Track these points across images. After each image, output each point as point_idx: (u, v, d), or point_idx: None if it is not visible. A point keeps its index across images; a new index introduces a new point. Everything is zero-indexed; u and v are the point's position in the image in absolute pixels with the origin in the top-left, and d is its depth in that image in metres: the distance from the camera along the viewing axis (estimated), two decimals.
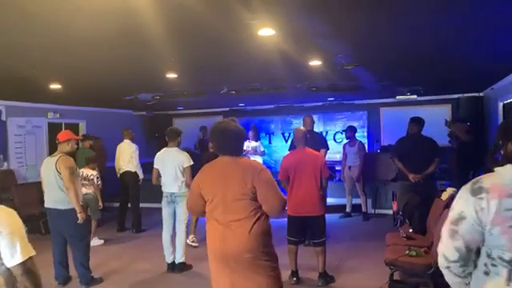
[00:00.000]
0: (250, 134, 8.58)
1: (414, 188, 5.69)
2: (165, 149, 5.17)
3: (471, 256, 1.52)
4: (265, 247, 2.60)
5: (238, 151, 2.78)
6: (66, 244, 4.61)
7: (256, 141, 8.75)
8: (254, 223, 2.56)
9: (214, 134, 2.78)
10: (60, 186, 4.39)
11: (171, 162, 5.01)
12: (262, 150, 8.82)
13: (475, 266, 1.54)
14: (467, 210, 1.47)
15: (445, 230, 1.56)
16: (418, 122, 5.96)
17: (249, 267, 2.54)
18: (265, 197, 2.58)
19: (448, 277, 1.60)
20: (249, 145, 8.48)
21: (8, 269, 1.83)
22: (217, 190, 2.62)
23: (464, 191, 1.51)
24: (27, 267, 1.84)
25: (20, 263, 1.82)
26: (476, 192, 1.46)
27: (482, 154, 6.23)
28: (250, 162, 2.78)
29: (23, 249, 1.83)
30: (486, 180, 1.48)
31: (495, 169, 1.51)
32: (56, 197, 4.43)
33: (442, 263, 1.59)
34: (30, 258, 1.85)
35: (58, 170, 4.38)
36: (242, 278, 2.55)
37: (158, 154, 5.20)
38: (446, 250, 1.55)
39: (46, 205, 4.55)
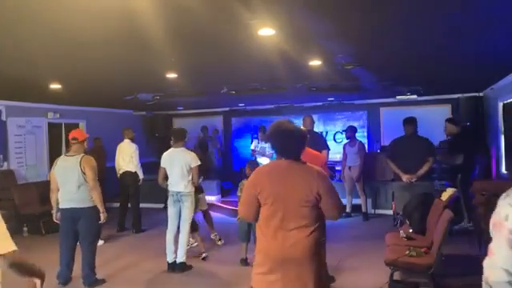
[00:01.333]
0: (260, 134, 8.49)
1: (410, 188, 5.69)
2: (172, 149, 5.22)
3: None
4: (319, 255, 2.56)
5: (299, 155, 2.65)
6: (76, 245, 4.62)
7: (266, 142, 8.64)
8: (314, 230, 2.51)
9: (276, 136, 2.64)
10: (82, 185, 4.42)
11: (178, 162, 5.05)
12: (271, 152, 8.69)
13: None
14: None
15: (501, 243, 1.46)
16: (411, 122, 5.97)
17: (305, 274, 2.48)
18: (328, 205, 2.52)
19: None
20: (257, 145, 8.41)
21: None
22: (277, 195, 2.51)
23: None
24: (10, 261, 1.85)
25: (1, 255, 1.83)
26: None
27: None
28: (314, 168, 2.63)
29: (2, 243, 1.83)
30: None
31: None
32: (76, 196, 4.44)
33: (501, 278, 1.44)
34: (12, 251, 1.85)
35: (83, 170, 4.42)
36: (297, 285, 2.48)
37: (164, 153, 5.24)
38: (506, 262, 1.43)
39: (63, 205, 4.52)
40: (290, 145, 2.60)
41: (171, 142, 5.25)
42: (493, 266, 1.46)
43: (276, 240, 2.50)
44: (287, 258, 2.47)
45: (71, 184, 4.44)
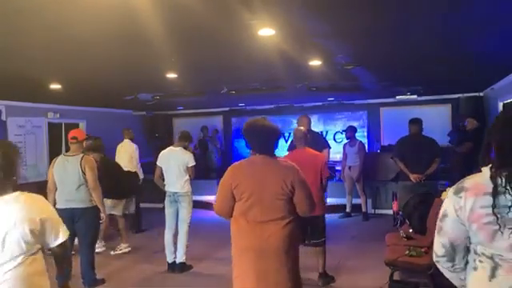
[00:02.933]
0: None
1: (415, 188, 5.69)
2: (170, 148, 5.22)
3: (458, 252, 1.59)
4: (293, 248, 2.65)
5: (273, 151, 2.74)
6: (73, 245, 4.60)
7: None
8: (288, 222, 2.60)
9: (252, 133, 2.73)
10: (81, 185, 4.39)
11: (176, 161, 5.04)
12: None
13: (467, 263, 1.60)
14: (449, 207, 1.56)
15: (436, 227, 1.65)
16: (417, 122, 5.97)
17: (278, 266, 2.56)
18: (301, 198, 2.61)
19: (442, 271, 1.69)
20: None
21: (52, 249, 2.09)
22: (253, 189, 2.60)
23: (450, 191, 1.61)
24: (66, 245, 2.12)
25: (62, 243, 2.09)
26: (457, 191, 1.54)
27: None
28: (288, 163, 2.73)
29: (63, 229, 2.11)
30: (469, 180, 1.56)
31: (482, 169, 1.55)
32: (75, 196, 4.40)
33: (433, 258, 1.68)
34: (64, 241, 2.11)
35: (83, 170, 4.39)
36: (271, 277, 2.56)
37: (162, 152, 5.23)
38: (435, 245, 1.65)
39: (60, 205, 4.45)
40: (265, 141, 2.69)
41: (174, 141, 5.26)
42: (433, 249, 1.68)
43: (254, 233, 2.58)
44: (265, 249, 2.55)
45: (71, 184, 4.40)
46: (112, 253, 5.97)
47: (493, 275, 1.47)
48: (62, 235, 2.08)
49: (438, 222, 1.63)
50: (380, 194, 8.22)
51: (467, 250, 1.58)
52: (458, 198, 1.52)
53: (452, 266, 1.62)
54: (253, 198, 2.59)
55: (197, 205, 5.82)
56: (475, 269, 1.54)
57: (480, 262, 1.52)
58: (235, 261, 2.70)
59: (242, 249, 2.64)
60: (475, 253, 1.54)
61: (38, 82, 5.93)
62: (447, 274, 1.67)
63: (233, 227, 2.70)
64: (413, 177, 5.78)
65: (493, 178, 1.46)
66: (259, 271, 2.56)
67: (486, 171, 1.52)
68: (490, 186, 1.45)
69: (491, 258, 1.47)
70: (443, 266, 1.65)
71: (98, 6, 2.79)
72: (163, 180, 5.17)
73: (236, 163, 2.81)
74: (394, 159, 6.18)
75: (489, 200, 1.44)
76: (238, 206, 2.66)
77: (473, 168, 5.39)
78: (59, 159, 4.55)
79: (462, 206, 1.50)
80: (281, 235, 2.56)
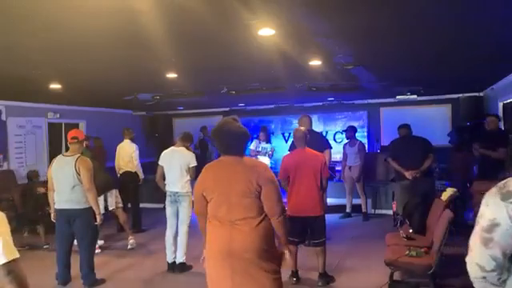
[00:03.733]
0: (261, 134, 8.30)
1: (412, 187, 5.71)
2: (172, 147, 5.24)
3: (506, 263, 1.47)
4: (269, 247, 2.61)
5: (243, 151, 2.77)
6: (72, 245, 4.61)
7: (267, 142, 8.41)
8: (260, 222, 2.59)
9: (219, 134, 2.74)
10: (76, 186, 4.38)
11: (177, 161, 5.05)
12: (271, 152, 8.32)
13: (510, 273, 1.49)
14: (500, 215, 1.43)
15: (476, 240, 1.51)
16: (405, 126, 6.28)
17: (253, 267, 2.54)
18: (267, 195, 2.60)
19: (481, 287, 1.54)
20: (258, 145, 8.31)
21: None
22: (221, 189, 2.62)
23: (492, 197, 1.47)
24: (11, 268, 1.83)
25: (3, 264, 1.81)
26: (506, 197, 1.43)
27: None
28: (255, 161, 2.77)
29: (7, 250, 1.82)
30: None
31: None
32: (70, 197, 4.40)
33: (476, 274, 1.51)
34: (14, 260, 1.85)
35: (78, 171, 4.36)
36: (245, 278, 2.54)
37: (164, 152, 5.24)
38: (481, 259, 1.48)
39: (58, 206, 4.49)
40: (231, 142, 2.70)
41: (175, 141, 5.27)
42: (471, 262, 1.52)
43: (223, 233, 2.58)
44: (235, 250, 2.53)
45: (65, 184, 4.40)
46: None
47: None
48: (6, 256, 1.81)
49: (482, 234, 1.48)
50: (380, 194, 8.22)
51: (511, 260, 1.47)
52: (509, 204, 1.40)
53: (499, 279, 1.47)
54: (221, 198, 2.62)
55: None
56: None
57: None
58: (208, 262, 2.68)
59: (212, 251, 2.64)
60: None
61: (38, 82, 5.93)
62: None
63: (207, 227, 2.71)
64: (408, 173, 5.84)
65: None
66: (229, 275, 2.54)
67: None
68: None
69: None
70: (490, 281, 1.49)
71: (99, 6, 2.80)
72: (164, 179, 5.18)
73: (207, 165, 2.83)
74: (388, 160, 6.30)
75: None
76: (210, 208, 2.69)
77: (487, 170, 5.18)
78: (57, 159, 4.57)
79: None
80: (252, 235, 2.55)
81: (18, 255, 1.86)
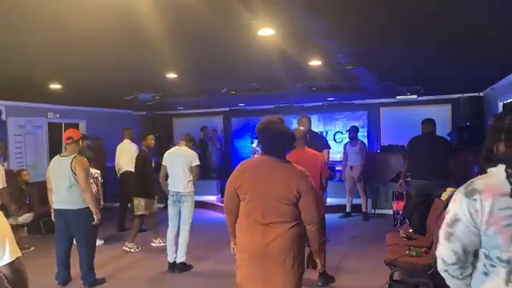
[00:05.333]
0: None
1: (427, 187, 5.50)
2: (175, 147, 5.26)
3: (469, 258, 1.51)
4: (298, 253, 2.59)
5: (285, 154, 2.72)
6: (71, 245, 4.61)
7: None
8: (293, 226, 2.56)
9: (264, 132, 2.68)
10: (73, 186, 4.37)
11: (180, 160, 5.06)
12: None
13: (474, 268, 1.53)
14: (461, 212, 1.46)
15: (441, 233, 1.55)
16: (430, 122, 5.79)
17: (281, 270, 2.53)
18: (306, 204, 2.56)
19: (447, 280, 1.59)
20: (259, 144, 8.34)
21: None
22: (258, 190, 2.57)
23: (458, 193, 1.51)
24: (15, 267, 1.84)
25: (8, 263, 1.82)
26: (470, 194, 1.46)
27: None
28: (297, 168, 2.67)
29: (11, 249, 1.83)
30: (479, 181, 1.47)
31: (488, 170, 1.50)
32: (67, 197, 4.40)
33: (440, 266, 1.58)
34: (18, 258, 1.86)
35: (74, 171, 4.36)
36: (274, 281, 2.53)
37: (167, 151, 5.26)
38: (444, 252, 1.54)
39: (55, 206, 4.50)
40: (278, 144, 2.66)
41: (175, 141, 5.27)
42: (438, 256, 1.58)
43: (255, 235, 2.55)
44: (267, 252, 2.52)
45: (62, 185, 4.40)
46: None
47: (509, 280, 1.41)
48: (10, 255, 1.81)
49: (445, 228, 1.53)
50: (380, 194, 8.23)
51: (476, 255, 1.51)
52: (471, 201, 1.44)
53: (462, 274, 1.54)
54: (255, 199, 2.56)
55: (197, 205, 5.81)
56: (486, 274, 1.48)
57: (492, 266, 1.45)
58: (238, 263, 2.67)
59: (244, 251, 2.62)
60: (487, 257, 1.47)
61: (38, 82, 5.93)
62: (454, 282, 1.57)
63: (237, 226, 2.68)
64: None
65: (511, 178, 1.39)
66: (261, 274, 2.54)
67: (497, 172, 1.45)
68: (507, 187, 1.39)
69: (508, 261, 1.41)
70: (452, 275, 1.55)
71: (99, 6, 2.80)
72: (167, 180, 5.19)
73: (245, 161, 2.78)
74: (404, 159, 6.12)
75: (508, 201, 1.38)
76: (242, 206, 2.64)
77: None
78: (55, 159, 4.58)
79: (479, 209, 1.42)
80: (283, 239, 2.52)
81: (20, 254, 1.87)
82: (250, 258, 2.58)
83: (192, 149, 5.33)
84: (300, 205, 2.55)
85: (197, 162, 5.10)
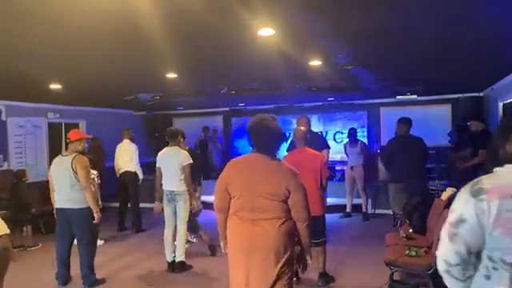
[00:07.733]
0: None
1: (405, 188, 5.68)
2: (166, 148, 5.24)
3: (472, 259, 1.47)
4: (288, 249, 2.60)
5: (275, 152, 2.72)
6: (72, 245, 4.62)
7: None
8: (283, 222, 2.58)
9: (255, 129, 2.69)
10: (74, 185, 4.39)
11: (172, 161, 5.06)
12: None
13: (476, 270, 1.49)
14: (467, 212, 1.42)
15: (444, 233, 1.51)
16: (404, 122, 5.96)
17: (269, 267, 2.55)
18: (295, 201, 2.58)
19: (448, 281, 1.55)
20: None
21: None
22: (247, 188, 2.59)
23: (464, 193, 1.47)
24: (3, 245, 1.91)
25: None
26: (476, 193, 1.41)
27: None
28: (286, 165, 2.69)
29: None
30: (486, 181, 1.43)
31: (494, 169, 1.47)
32: (69, 196, 4.41)
33: (441, 267, 1.54)
34: (6, 234, 1.89)
35: (74, 170, 4.38)
36: (259, 277, 2.55)
37: (159, 153, 5.26)
38: (446, 253, 1.50)
39: (57, 205, 4.52)
40: (269, 141, 2.67)
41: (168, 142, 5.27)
42: (439, 257, 1.54)
43: (244, 231, 2.58)
44: (253, 248, 2.54)
45: (64, 184, 4.42)
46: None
47: None
48: None
49: (449, 228, 1.48)
50: (380, 194, 8.22)
51: (478, 257, 1.47)
52: (478, 202, 1.39)
53: (464, 275, 1.49)
54: (245, 196, 2.59)
55: None
56: (488, 278, 1.44)
57: (494, 269, 1.42)
58: (229, 260, 2.71)
59: (234, 248, 2.65)
60: (490, 259, 1.43)
61: (38, 82, 5.93)
62: (454, 284, 1.52)
63: (228, 225, 2.71)
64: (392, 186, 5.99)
65: None
66: (249, 271, 2.56)
67: (504, 172, 1.43)
68: None
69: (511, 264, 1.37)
70: (455, 276, 1.50)
71: (99, 6, 2.80)
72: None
73: (233, 159, 2.81)
74: (382, 162, 6.26)
75: None
76: (232, 204, 2.67)
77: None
78: (56, 159, 4.61)
79: (486, 209, 1.38)
80: (271, 236, 2.54)
81: (8, 231, 1.89)
82: (236, 251, 2.62)
83: (184, 143, 5.39)
84: (290, 202, 2.59)
85: (187, 162, 5.06)
